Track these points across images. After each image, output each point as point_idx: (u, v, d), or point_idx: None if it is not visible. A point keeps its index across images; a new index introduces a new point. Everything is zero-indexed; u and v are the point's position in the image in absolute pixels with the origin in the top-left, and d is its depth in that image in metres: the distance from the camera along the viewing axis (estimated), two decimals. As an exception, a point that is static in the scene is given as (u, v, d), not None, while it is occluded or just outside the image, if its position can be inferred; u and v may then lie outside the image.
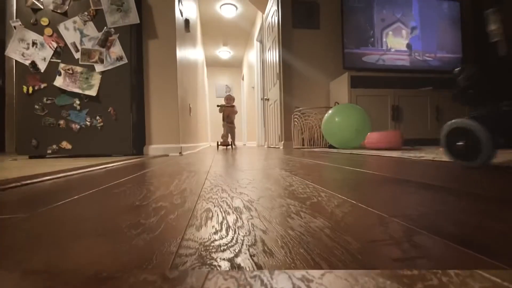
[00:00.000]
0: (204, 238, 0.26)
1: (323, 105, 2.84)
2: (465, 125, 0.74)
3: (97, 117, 1.93)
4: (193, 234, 0.27)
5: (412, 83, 2.81)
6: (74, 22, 1.92)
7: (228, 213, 0.35)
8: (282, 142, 3.00)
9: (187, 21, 2.72)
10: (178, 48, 2.20)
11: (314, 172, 0.77)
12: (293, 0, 2.89)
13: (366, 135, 2.13)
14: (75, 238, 0.27)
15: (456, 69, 0.80)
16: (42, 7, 1.89)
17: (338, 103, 2.74)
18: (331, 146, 2.56)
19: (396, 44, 2.86)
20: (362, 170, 0.77)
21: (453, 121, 0.79)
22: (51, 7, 1.90)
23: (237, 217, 0.33)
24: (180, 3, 2.36)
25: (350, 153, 1.67)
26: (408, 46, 2.89)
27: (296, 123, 2.74)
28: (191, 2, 3.20)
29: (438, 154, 1.20)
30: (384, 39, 2.83)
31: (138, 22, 2.00)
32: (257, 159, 1.31)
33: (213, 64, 7.21)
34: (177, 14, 2.24)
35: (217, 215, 0.34)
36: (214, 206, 0.39)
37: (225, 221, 0.31)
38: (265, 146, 3.87)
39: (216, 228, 0.29)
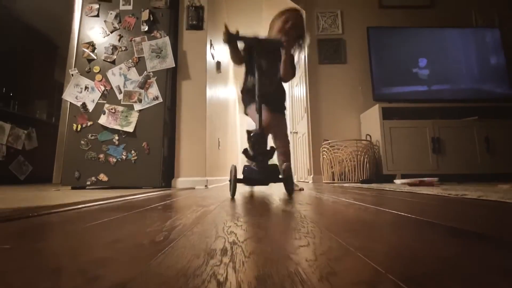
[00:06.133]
0: (162, 285, 0.24)
1: (354, 138, 2.73)
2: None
3: (132, 151, 2.08)
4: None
5: (453, 113, 2.60)
6: (120, 68, 2.19)
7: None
8: (311, 176, 2.89)
9: (218, 63, 2.93)
10: (208, 87, 2.35)
11: (324, 207, 0.70)
12: (319, 39, 2.99)
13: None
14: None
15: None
16: (96, 58, 2.20)
17: (370, 136, 2.62)
18: (363, 181, 2.40)
19: (430, 73, 2.74)
20: (385, 210, 0.69)
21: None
22: (102, 57, 2.20)
23: (214, 261, 0.30)
24: (212, 48, 2.58)
25: (383, 189, 1.54)
26: (444, 75, 2.74)
27: (325, 156, 2.65)
28: (223, 46, 3.48)
29: (486, 192, 1.04)
30: (417, 69, 2.73)
31: (174, 66, 2.21)
32: (278, 195, 1.27)
33: (245, 100, 7.55)
34: (209, 57, 2.44)
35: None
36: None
37: (198, 265, 0.29)
38: (295, 180, 3.76)
39: (183, 273, 0.26)
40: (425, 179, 1.89)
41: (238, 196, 1.19)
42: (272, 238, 0.41)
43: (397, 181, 2.16)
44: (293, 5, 3.08)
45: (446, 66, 2.76)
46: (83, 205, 0.84)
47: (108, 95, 2.15)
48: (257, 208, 0.81)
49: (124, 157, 2.07)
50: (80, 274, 0.26)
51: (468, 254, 0.31)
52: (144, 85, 2.16)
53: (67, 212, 0.72)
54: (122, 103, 2.13)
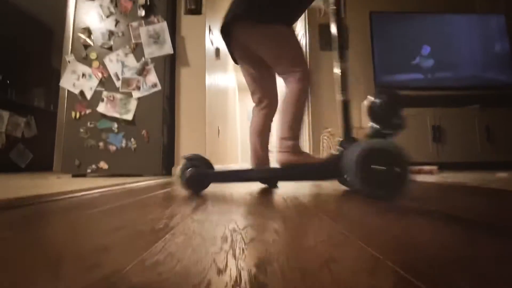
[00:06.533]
0: (162, 272, 0.24)
1: (355, 126, 2.71)
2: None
3: (132, 139, 2.07)
4: (155, 266, 0.25)
5: (454, 101, 2.57)
6: (117, 55, 2.14)
7: (208, 243, 0.32)
8: (311, 164, 2.90)
9: (217, 50, 2.88)
10: (207, 74, 2.31)
11: (322, 199, 0.70)
12: (320, 25, 2.91)
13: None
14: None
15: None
16: (92, 44, 2.15)
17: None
18: (363, 169, 2.41)
19: (432, 61, 2.69)
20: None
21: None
22: (99, 43, 2.15)
23: (214, 248, 0.30)
24: (211, 33, 2.52)
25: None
26: (446, 63, 2.70)
27: (325, 144, 2.65)
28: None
29: (486, 180, 1.04)
30: (419, 56, 2.68)
31: (172, 52, 2.16)
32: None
33: (245, 88, 7.47)
34: (208, 44, 2.39)
35: (195, 244, 0.32)
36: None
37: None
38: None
39: (183, 260, 0.27)
40: (425, 167, 1.89)
41: (233, 184, 1.19)
42: (271, 225, 0.41)
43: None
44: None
45: (449, 53, 2.71)
46: (84, 193, 0.85)
47: (106, 82, 2.12)
48: (255, 194, 0.81)
49: (123, 145, 2.07)
50: (81, 261, 0.27)
51: (466, 241, 0.31)
52: (142, 72, 2.12)
53: (68, 200, 0.73)
54: (120, 90, 2.11)
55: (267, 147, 1.07)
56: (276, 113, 1.06)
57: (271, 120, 1.12)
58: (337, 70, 0.80)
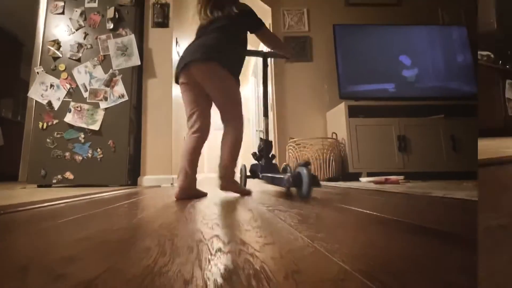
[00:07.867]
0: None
1: (320, 136, 2.74)
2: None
3: (98, 150, 2.03)
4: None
5: (419, 111, 2.56)
6: (86, 66, 2.12)
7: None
8: (283, 172, 2.92)
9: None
10: (174, 86, 2.32)
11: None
12: (285, 36, 2.92)
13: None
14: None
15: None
16: (61, 55, 2.11)
17: (336, 134, 2.64)
18: (330, 179, 2.43)
19: (397, 71, 2.72)
20: (350, 208, 0.71)
21: None
22: (68, 55, 2.13)
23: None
24: (177, 46, 2.54)
25: (349, 188, 1.55)
26: (410, 73, 2.72)
27: (291, 154, 2.64)
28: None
29: (450, 190, 0.99)
30: (383, 67, 2.70)
31: (139, 64, 2.17)
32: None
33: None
34: (175, 55, 2.41)
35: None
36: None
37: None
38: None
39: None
40: (391, 177, 1.88)
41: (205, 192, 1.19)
42: (237, 235, 0.42)
43: (363, 179, 2.14)
44: None
45: (413, 64, 2.71)
46: (49, 204, 0.83)
47: (74, 93, 2.09)
48: (221, 204, 0.84)
49: (90, 155, 2.02)
50: (46, 272, 0.27)
51: (429, 252, 0.32)
52: (109, 83, 2.11)
53: (33, 211, 0.71)
54: (87, 101, 2.09)
55: (196, 169, 1.14)
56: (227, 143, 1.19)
57: (203, 145, 1.22)
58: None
